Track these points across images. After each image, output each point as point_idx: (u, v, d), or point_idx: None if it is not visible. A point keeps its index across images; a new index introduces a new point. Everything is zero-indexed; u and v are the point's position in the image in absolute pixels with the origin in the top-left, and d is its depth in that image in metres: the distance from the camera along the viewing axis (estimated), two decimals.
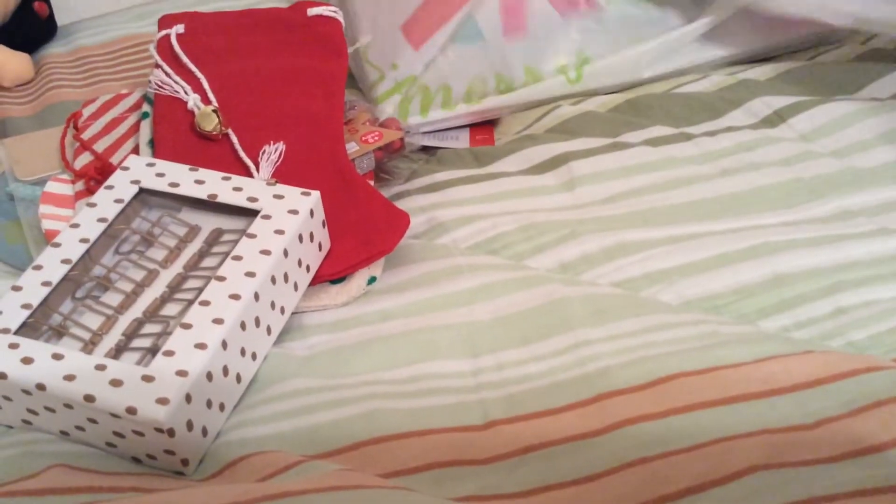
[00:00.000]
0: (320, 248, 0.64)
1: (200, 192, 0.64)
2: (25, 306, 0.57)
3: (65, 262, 0.59)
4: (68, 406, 0.52)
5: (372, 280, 0.66)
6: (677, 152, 0.76)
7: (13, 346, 0.54)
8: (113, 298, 0.60)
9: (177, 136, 0.74)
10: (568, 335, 0.59)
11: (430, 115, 0.87)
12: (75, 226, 0.62)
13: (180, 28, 0.83)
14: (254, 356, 0.58)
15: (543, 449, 0.53)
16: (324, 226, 0.65)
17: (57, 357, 0.53)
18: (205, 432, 0.54)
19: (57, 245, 0.60)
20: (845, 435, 0.50)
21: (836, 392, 0.53)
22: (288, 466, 0.52)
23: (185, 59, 0.80)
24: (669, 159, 0.76)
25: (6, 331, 0.55)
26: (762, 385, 0.54)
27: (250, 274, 0.57)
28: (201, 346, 0.53)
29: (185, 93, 0.77)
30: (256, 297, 0.57)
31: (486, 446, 0.53)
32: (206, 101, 0.76)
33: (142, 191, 0.65)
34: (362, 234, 0.66)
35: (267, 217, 0.61)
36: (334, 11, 0.83)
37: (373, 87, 0.87)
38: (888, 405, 0.52)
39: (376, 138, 0.78)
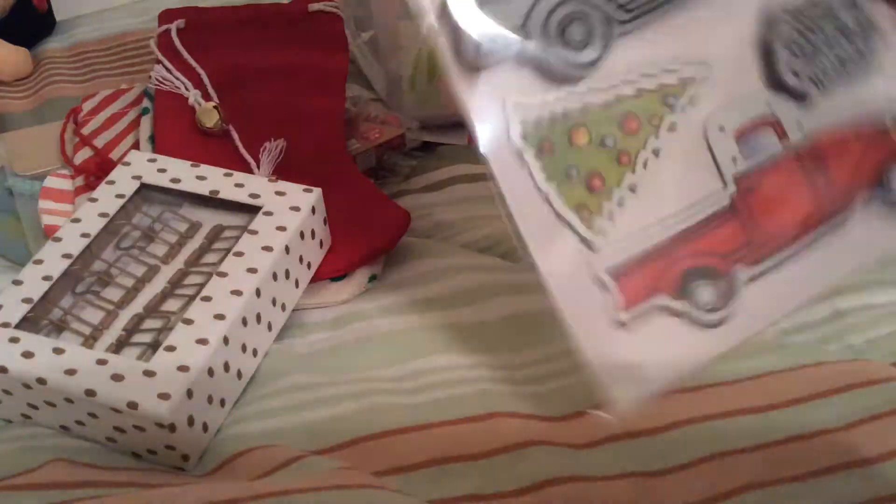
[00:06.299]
0: (321, 245, 0.64)
1: (202, 189, 0.64)
2: (26, 300, 0.56)
3: (65, 256, 0.59)
4: (69, 401, 0.52)
5: (373, 278, 0.66)
6: None
7: (14, 340, 0.54)
8: (113, 293, 0.60)
9: (178, 132, 0.74)
10: (570, 339, 0.59)
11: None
12: (76, 220, 0.61)
13: (181, 23, 0.83)
14: (255, 352, 0.58)
15: (543, 445, 0.53)
16: (325, 223, 0.65)
17: (58, 351, 0.53)
18: (205, 428, 0.53)
19: (58, 240, 0.60)
20: (842, 447, 0.50)
21: (832, 406, 0.53)
22: (287, 462, 0.52)
23: (185, 54, 0.80)
24: None
25: (7, 325, 0.55)
26: (759, 400, 0.54)
27: (252, 270, 0.57)
28: (203, 341, 0.53)
29: (186, 89, 0.77)
30: (258, 293, 0.57)
31: (485, 439, 0.53)
32: (207, 97, 0.76)
33: (143, 186, 0.65)
34: (363, 231, 0.66)
35: (269, 213, 0.61)
36: (335, 7, 0.83)
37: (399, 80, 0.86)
38: (884, 419, 0.52)
39: (377, 135, 0.78)
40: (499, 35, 0.43)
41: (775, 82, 0.48)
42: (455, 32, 0.42)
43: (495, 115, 0.44)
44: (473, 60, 0.43)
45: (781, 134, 0.48)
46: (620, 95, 0.46)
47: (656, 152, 0.46)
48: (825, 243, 0.47)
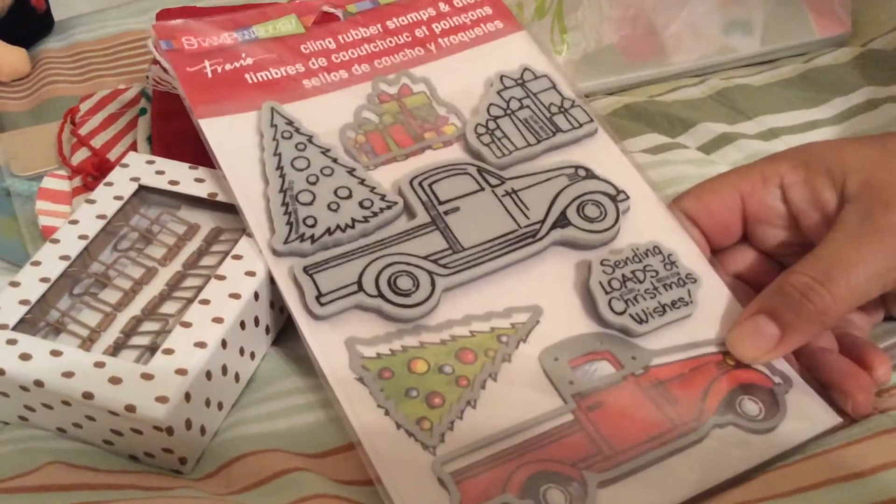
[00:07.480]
0: None
1: (200, 191, 0.63)
2: (23, 302, 0.56)
3: (63, 258, 0.59)
4: (66, 403, 0.52)
5: None
6: (675, 157, 0.77)
7: (11, 341, 0.54)
8: (111, 296, 0.60)
9: (175, 133, 0.74)
10: None
11: None
12: (74, 222, 0.61)
13: (179, 23, 0.83)
14: (252, 355, 0.58)
15: None
16: None
17: (55, 353, 0.53)
18: (203, 431, 0.53)
19: (55, 241, 0.60)
20: (832, 462, 0.48)
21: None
22: (284, 472, 0.52)
23: None
24: (665, 161, 0.76)
25: (4, 326, 0.55)
26: None
27: (250, 273, 0.57)
28: (201, 344, 0.53)
29: None
30: (256, 296, 0.57)
31: None
32: None
33: (141, 188, 0.65)
34: None
35: None
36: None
37: None
38: (880, 436, 0.49)
39: None
40: (337, 291, 0.53)
41: (602, 321, 0.53)
42: (300, 289, 0.53)
43: (338, 352, 0.51)
44: (317, 312, 0.52)
45: (617, 365, 0.51)
46: (455, 336, 0.52)
47: (494, 376, 0.51)
48: (679, 458, 0.49)
